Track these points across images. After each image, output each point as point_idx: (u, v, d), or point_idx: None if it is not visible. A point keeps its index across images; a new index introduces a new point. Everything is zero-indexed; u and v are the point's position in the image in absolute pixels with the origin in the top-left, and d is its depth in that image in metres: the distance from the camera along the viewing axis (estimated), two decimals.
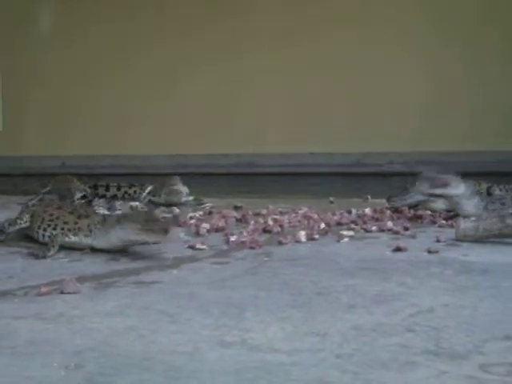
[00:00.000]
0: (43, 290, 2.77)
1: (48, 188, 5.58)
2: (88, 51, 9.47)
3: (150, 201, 5.60)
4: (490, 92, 8.53)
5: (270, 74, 9.01)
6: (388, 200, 4.90)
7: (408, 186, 4.88)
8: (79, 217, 3.76)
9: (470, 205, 4.41)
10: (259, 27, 9.09)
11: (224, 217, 4.71)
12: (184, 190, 5.55)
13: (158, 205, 5.43)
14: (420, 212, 4.74)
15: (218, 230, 4.26)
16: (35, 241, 3.89)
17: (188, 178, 5.82)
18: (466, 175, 4.71)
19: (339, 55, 8.85)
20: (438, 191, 4.48)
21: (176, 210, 5.10)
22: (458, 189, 4.42)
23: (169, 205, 5.36)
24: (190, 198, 5.58)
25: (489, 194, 4.51)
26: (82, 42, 9.48)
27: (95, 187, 5.96)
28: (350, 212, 4.79)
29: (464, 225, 3.85)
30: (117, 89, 9.37)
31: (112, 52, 9.42)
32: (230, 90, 9.16)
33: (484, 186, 4.57)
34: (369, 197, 5.63)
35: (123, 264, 3.37)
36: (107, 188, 5.98)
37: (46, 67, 9.62)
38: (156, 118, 9.35)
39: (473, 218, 3.99)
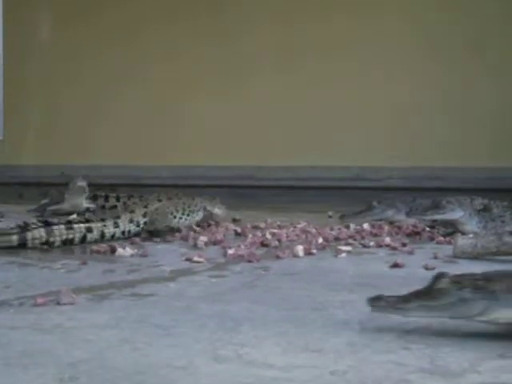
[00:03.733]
0: (39, 300, 2.77)
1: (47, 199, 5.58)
2: (92, 62, 9.51)
3: None
4: (486, 109, 8.56)
5: (272, 88, 9.04)
6: (341, 218, 5.12)
7: (374, 204, 5.17)
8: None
9: (471, 225, 4.48)
10: (261, 41, 9.13)
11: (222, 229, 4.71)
12: None
13: None
14: (418, 228, 4.76)
15: (215, 242, 4.26)
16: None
17: (188, 189, 5.82)
18: (464, 191, 4.71)
19: (340, 71, 8.89)
20: (437, 217, 4.59)
21: None
22: (456, 213, 4.50)
23: None
24: None
25: (485, 210, 4.53)
26: (85, 54, 9.52)
27: (94, 198, 5.95)
28: (348, 227, 4.79)
29: (462, 242, 3.85)
30: (119, 100, 9.39)
31: (116, 65, 9.46)
32: (232, 103, 9.19)
33: (478, 201, 4.60)
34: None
35: (120, 276, 3.37)
36: (106, 199, 5.97)
37: (49, 78, 9.65)
38: (158, 129, 9.37)
39: (471, 236, 4.00)
